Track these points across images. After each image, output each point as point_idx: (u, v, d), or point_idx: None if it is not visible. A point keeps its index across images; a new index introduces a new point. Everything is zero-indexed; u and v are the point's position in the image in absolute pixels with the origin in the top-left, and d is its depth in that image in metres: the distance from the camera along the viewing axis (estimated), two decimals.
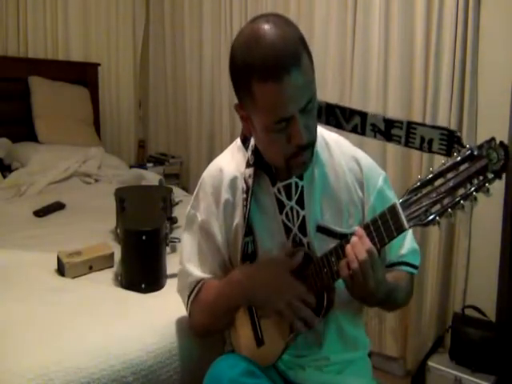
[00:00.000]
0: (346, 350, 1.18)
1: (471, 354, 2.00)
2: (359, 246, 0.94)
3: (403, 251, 1.15)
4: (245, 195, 1.12)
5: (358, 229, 0.97)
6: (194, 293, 1.18)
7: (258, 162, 1.13)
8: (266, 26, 0.96)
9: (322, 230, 1.12)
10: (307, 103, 0.98)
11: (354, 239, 0.95)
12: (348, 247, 0.96)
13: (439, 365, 2.07)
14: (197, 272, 1.18)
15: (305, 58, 0.97)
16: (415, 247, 1.18)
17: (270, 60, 0.93)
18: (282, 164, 1.06)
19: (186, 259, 1.21)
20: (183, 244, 1.24)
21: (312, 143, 1.05)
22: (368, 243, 0.94)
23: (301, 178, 1.12)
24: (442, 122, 2.09)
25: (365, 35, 2.38)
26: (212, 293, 1.15)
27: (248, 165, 1.14)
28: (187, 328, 1.34)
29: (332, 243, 1.04)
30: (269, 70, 0.93)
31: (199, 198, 1.21)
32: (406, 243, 1.16)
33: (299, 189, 1.12)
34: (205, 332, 1.25)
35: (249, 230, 1.13)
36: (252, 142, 1.15)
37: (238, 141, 1.22)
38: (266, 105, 0.97)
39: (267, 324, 1.12)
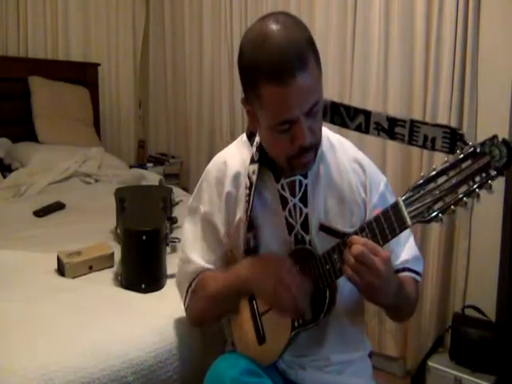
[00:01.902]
0: (347, 351, 1.18)
1: (471, 354, 2.00)
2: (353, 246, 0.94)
3: (407, 257, 1.16)
4: (248, 191, 1.13)
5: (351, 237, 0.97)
6: (193, 283, 1.19)
7: (262, 159, 1.13)
8: (275, 27, 0.96)
9: (325, 229, 1.13)
10: (312, 106, 0.98)
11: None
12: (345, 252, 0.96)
13: (439, 365, 2.06)
14: (199, 261, 1.19)
15: (311, 60, 0.96)
16: (418, 254, 1.18)
17: (276, 63, 0.93)
18: (285, 163, 1.06)
19: (187, 248, 1.22)
20: (185, 234, 1.24)
21: (315, 145, 1.05)
22: (361, 239, 0.94)
23: (305, 176, 1.13)
24: (442, 121, 2.08)
25: (365, 35, 2.38)
26: (213, 284, 1.15)
27: (252, 161, 1.15)
28: (187, 328, 1.35)
29: (334, 242, 1.04)
30: (274, 72, 0.94)
31: (202, 190, 1.22)
32: (410, 250, 1.16)
33: (303, 186, 1.13)
34: (201, 321, 1.25)
35: (251, 225, 1.13)
36: (257, 138, 1.15)
37: (244, 136, 1.23)
38: (270, 106, 0.98)
39: (269, 321, 1.12)
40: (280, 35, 0.95)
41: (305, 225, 1.13)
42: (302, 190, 1.13)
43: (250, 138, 1.20)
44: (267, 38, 0.95)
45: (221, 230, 1.18)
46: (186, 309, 1.23)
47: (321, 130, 1.07)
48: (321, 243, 1.11)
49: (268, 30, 0.96)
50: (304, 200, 1.13)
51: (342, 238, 1.00)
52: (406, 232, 1.09)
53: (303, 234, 1.13)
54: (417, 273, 1.17)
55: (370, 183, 1.15)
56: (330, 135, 1.19)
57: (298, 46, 0.95)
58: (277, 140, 1.03)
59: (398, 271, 1.13)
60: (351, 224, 1.12)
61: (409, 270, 1.15)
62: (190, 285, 1.19)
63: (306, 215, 1.13)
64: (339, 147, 1.18)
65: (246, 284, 1.10)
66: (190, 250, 1.21)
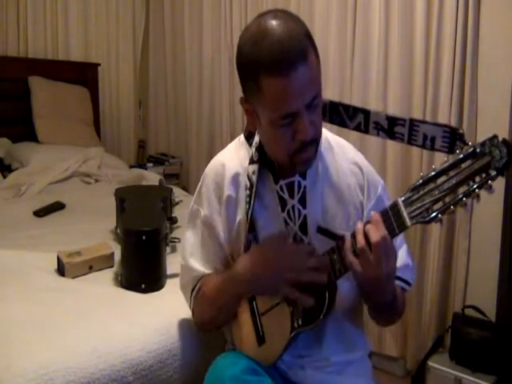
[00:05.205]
0: (346, 351, 1.18)
1: (471, 354, 2.00)
2: (374, 229, 0.93)
3: (397, 264, 1.13)
4: (248, 192, 1.12)
5: (373, 213, 0.96)
6: (196, 289, 1.19)
7: (261, 159, 1.13)
8: (274, 21, 0.97)
9: (323, 231, 1.12)
10: (313, 99, 0.98)
11: (370, 223, 0.95)
12: (358, 226, 0.95)
13: (439, 365, 2.07)
14: (200, 268, 1.18)
15: (311, 53, 0.98)
16: (409, 263, 1.17)
17: (278, 55, 0.94)
18: (286, 160, 1.06)
19: (188, 254, 1.21)
20: (186, 239, 1.24)
21: (316, 139, 1.05)
22: (383, 229, 0.93)
23: (304, 177, 1.12)
24: (442, 121, 2.08)
25: (365, 35, 2.38)
26: (212, 288, 1.15)
27: (252, 161, 1.14)
28: (187, 328, 1.35)
29: (332, 245, 1.04)
30: (276, 64, 0.94)
31: (202, 194, 1.21)
32: (401, 257, 1.14)
33: (302, 188, 1.12)
34: (207, 326, 1.24)
35: (252, 226, 1.13)
36: (256, 138, 1.15)
37: (242, 137, 1.22)
38: (272, 99, 0.98)
39: (268, 322, 1.12)
40: (279, 29, 0.96)
41: (303, 226, 1.13)
42: (301, 191, 1.12)
43: (248, 138, 1.19)
44: (267, 32, 0.96)
45: (221, 234, 1.17)
46: (192, 314, 1.24)
47: (321, 125, 1.07)
48: (319, 245, 1.10)
49: (267, 25, 0.97)
50: (303, 201, 1.13)
51: (341, 239, 1.00)
52: (400, 238, 1.09)
53: (302, 235, 1.13)
54: (406, 282, 1.16)
55: (368, 186, 1.15)
56: (329, 137, 1.19)
57: (298, 38, 0.96)
58: (278, 136, 1.02)
59: None
60: (349, 226, 1.11)
61: (398, 278, 1.14)
62: (193, 290, 1.19)
63: (305, 216, 1.12)
64: (338, 149, 1.18)
65: (244, 287, 1.10)
66: (191, 257, 1.20)
